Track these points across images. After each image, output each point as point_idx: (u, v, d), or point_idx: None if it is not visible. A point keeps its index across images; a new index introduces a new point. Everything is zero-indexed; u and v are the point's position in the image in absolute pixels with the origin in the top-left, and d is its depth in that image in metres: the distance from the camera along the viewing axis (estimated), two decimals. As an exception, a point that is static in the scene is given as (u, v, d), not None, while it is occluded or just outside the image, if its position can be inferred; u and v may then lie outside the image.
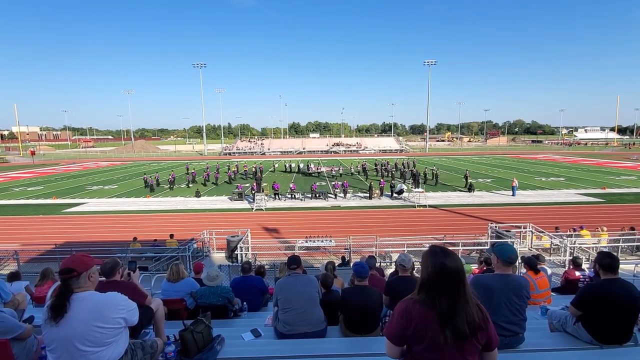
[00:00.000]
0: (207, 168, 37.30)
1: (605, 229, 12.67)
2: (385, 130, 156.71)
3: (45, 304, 2.19)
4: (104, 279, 3.13)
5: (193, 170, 36.75)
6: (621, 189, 26.34)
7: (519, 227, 13.81)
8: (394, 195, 24.21)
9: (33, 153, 65.76)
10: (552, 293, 5.64)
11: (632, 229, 12.92)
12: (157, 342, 2.80)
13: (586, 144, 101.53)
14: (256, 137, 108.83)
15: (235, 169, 37.93)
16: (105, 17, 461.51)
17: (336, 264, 7.67)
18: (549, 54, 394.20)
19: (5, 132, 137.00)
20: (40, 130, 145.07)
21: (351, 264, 8.57)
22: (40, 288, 5.68)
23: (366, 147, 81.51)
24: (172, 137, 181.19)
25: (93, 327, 2.11)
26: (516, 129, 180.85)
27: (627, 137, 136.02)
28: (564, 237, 11.23)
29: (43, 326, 2.15)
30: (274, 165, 44.97)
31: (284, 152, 78.69)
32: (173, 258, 11.17)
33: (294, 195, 24.60)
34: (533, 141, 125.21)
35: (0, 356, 2.64)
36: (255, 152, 79.18)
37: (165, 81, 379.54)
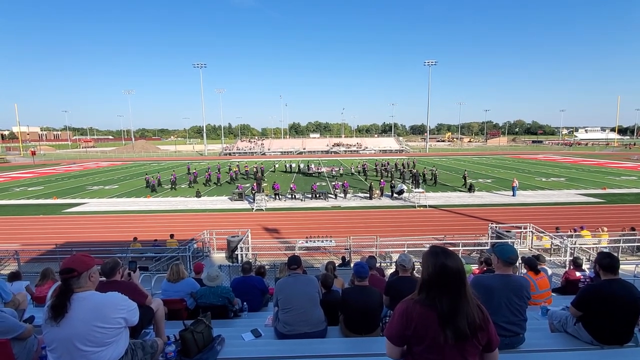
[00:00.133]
0: (209, 168, 37.34)
1: (605, 229, 12.66)
2: (386, 130, 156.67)
3: (45, 304, 2.19)
4: (104, 279, 3.13)
5: (194, 170, 36.77)
6: (621, 189, 26.33)
7: (519, 228, 13.81)
8: (394, 195, 24.20)
9: (33, 153, 65.85)
10: (553, 293, 5.63)
11: (633, 229, 12.90)
12: (157, 342, 2.80)
13: (587, 144, 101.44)
14: (256, 137, 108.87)
15: (237, 169, 37.97)
16: (105, 17, 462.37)
17: (336, 264, 7.66)
18: (549, 54, 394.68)
19: (6, 132, 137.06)
20: (41, 131, 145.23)
21: (351, 264, 8.57)
22: (41, 288, 5.68)
23: (366, 148, 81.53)
24: (172, 137, 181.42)
25: (93, 327, 2.11)
26: (516, 129, 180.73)
27: (628, 137, 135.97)
28: (565, 238, 11.22)
29: (43, 326, 2.15)
30: (274, 166, 45.04)
31: (284, 152, 78.70)
32: (173, 258, 11.17)
33: (294, 196, 24.60)
34: (533, 141, 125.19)
35: (0, 356, 2.65)
36: (255, 153, 79.22)
37: (166, 81, 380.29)
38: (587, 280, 5.81)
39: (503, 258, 2.89)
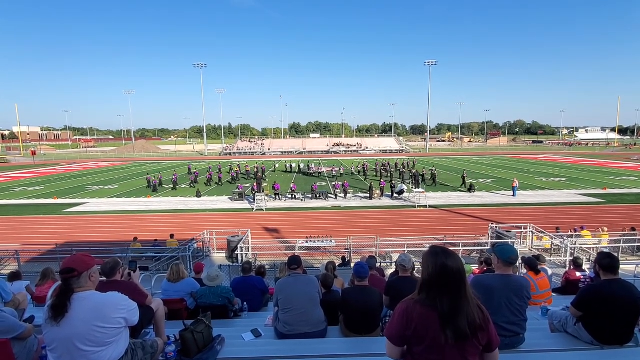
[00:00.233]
0: (210, 168, 37.41)
1: (605, 229, 12.65)
2: (386, 130, 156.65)
3: (45, 303, 2.19)
4: (104, 278, 3.13)
5: (195, 170, 36.83)
6: (622, 189, 26.32)
7: (520, 228, 13.80)
8: (395, 195, 24.20)
9: (34, 153, 65.91)
10: (553, 293, 5.62)
11: (633, 229, 12.89)
12: (157, 342, 2.80)
13: (587, 144, 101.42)
14: (257, 137, 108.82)
15: (238, 169, 37.99)
16: (105, 17, 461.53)
17: (336, 264, 7.66)
18: (549, 54, 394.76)
19: (6, 132, 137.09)
20: (41, 130, 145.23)
21: (351, 264, 8.56)
22: (41, 288, 5.69)
23: (366, 148, 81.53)
24: (172, 137, 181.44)
25: (94, 326, 2.11)
26: (517, 130, 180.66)
27: (628, 137, 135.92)
28: (565, 238, 11.21)
29: (44, 326, 2.15)
30: (274, 166, 45.09)
31: (285, 152, 78.71)
32: (173, 258, 11.17)
33: (295, 196, 24.60)
34: (534, 141, 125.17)
35: (0, 356, 2.65)
36: (255, 152, 79.23)
37: (166, 81, 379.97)
38: (588, 280, 5.80)
39: (503, 258, 2.89)
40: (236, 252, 11.91)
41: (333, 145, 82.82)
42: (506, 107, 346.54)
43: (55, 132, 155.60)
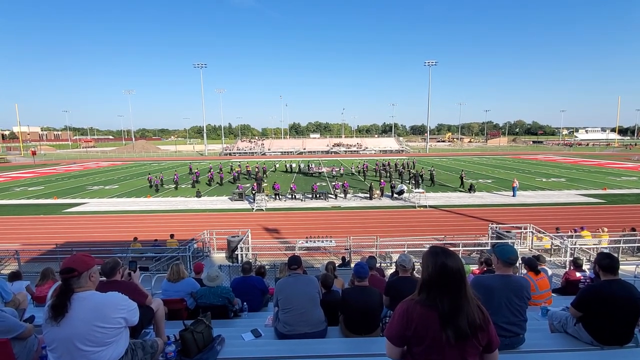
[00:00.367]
0: (211, 168, 37.47)
1: (605, 229, 12.66)
2: (386, 130, 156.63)
3: (45, 303, 2.19)
4: (104, 278, 3.13)
5: (196, 170, 36.89)
6: (622, 189, 26.32)
7: (520, 228, 13.80)
8: (395, 195, 24.20)
9: (34, 153, 65.93)
10: (553, 294, 5.63)
11: (633, 229, 12.89)
12: (157, 342, 2.80)
13: (587, 144, 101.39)
14: (257, 138, 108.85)
15: (239, 169, 38.03)
16: (105, 17, 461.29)
17: (336, 265, 7.67)
18: (549, 54, 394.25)
19: (6, 132, 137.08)
20: (41, 130, 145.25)
21: (351, 265, 8.56)
22: (41, 288, 5.69)
23: (366, 148, 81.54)
24: (172, 137, 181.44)
25: (94, 326, 2.11)
26: (517, 130, 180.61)
27: (628, 137, 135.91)
28: (565, 238, 11.21)
29: (44, 326, 2.15)
30: (275, 166, 45.11)
31: (285, 152, 78.69)
32: (173, 258, 11.17)
33: (295, 196, 24.60)
34: (534, 142, 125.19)
35: (1, 356, 2.65)
36: (255, 153, 79.23)
37: (166, 81, 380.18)
38: (587, 280, 5.80)
39: (503, 258, 2.89)
40: (236, 252, 11.91)
41: (333, 146, 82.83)
42: (506, 107, 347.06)
43: (56, 132, 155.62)
